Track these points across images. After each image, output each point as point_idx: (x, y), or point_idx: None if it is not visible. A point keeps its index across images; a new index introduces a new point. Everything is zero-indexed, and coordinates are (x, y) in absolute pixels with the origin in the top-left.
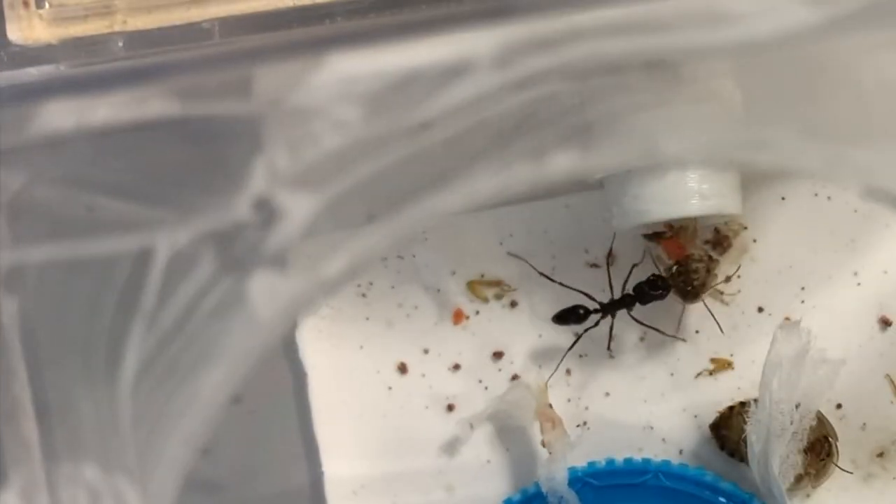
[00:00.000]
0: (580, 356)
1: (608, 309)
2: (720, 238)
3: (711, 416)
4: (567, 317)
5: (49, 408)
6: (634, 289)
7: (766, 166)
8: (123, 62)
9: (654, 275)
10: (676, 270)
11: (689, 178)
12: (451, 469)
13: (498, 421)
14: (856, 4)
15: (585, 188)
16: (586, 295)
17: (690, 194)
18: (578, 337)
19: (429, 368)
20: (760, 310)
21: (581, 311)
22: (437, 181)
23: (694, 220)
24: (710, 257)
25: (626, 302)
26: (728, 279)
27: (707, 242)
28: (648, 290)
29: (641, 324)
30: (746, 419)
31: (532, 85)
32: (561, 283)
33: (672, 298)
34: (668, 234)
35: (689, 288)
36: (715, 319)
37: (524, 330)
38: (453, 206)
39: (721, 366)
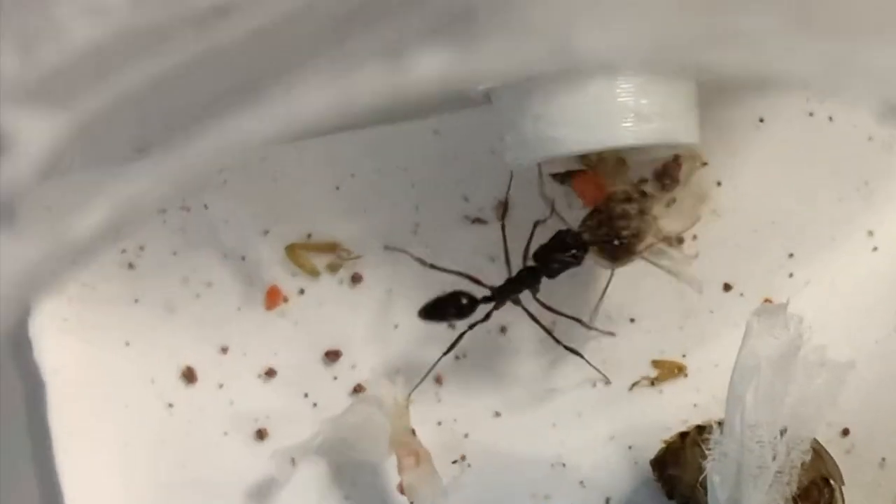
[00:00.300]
0: (456, 358)
1: (503, 294)
2: (663, 174)
3: (654, 449)
4: (442, 310)
5: None
6: (535, 255)
7: (737, 72)
8: None
9: (561, 230)
10: (595, 220)
11: (621, 89)
12: None
13: (333, 454)
14: None
15: (464, 105)
16: (470, 278)
17: (622, 114)
18: (460, 336)
19: (229, 375)
20: (727, 287)
21: (464, 302)
22: (241, 95)
23: (620, 152)
24: (644, 193)
25: (525, 280)
26: (679, 241)
27: (643, 182)
28: (555, 255)
29: (551, 310)
30: (706, 452)
31: None
32: (434, 267)
33: (593, 266)
34: (582, 170)
35: (617, 243)
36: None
37: (372, 318)
38: (266, 133)
39: (668, 372)
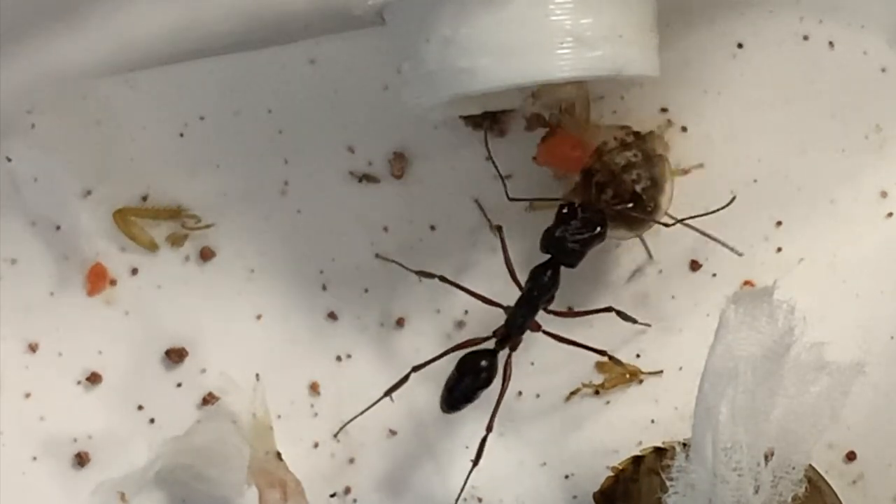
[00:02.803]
0: (338, 358)
1: (514, 328)
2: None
3: (598, 478)
4: (468, 390)
5: None
6: (545, 243)
7: None
8: None
9: (563, 206)
10: (593, 184)
11: (555, 5)
12: None
13: (176, 486)
14: None
15: (348, 25)
16: (483, 299)
17: (557, 38)
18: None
19: (38, 381)
20: (694, 266)
21: (483, 365)
22: (55, 13)
23: (580, 88)
24: (637, 133)
25: (541, 292)
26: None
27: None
28: (573, 237)
29: (574, 314)
30: (667, 483)
31: None
32: (444, 280)
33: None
34: (547, 129)
35: (639, 201)
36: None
37: (227, 306)
38: (86, 61)
39: (617, 377)
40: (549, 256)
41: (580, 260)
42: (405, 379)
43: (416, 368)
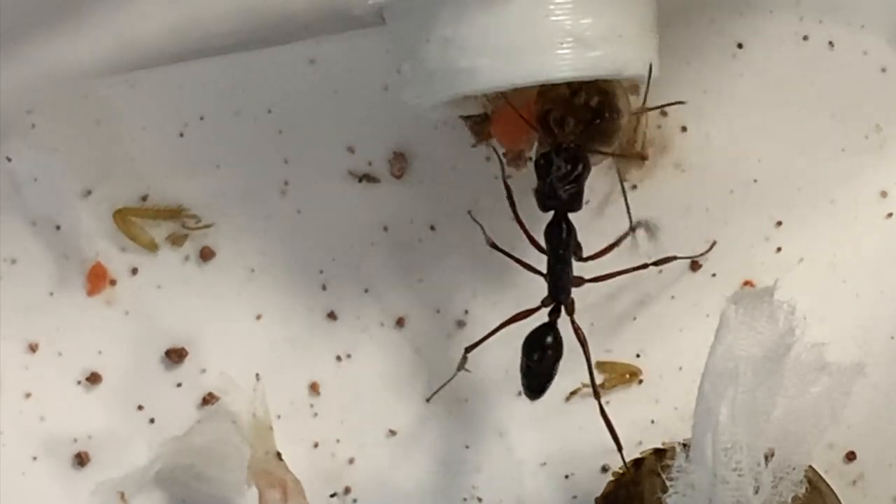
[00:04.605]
0: (338, 358)
1: (558, 290)
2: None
3: (598, 478)
4: (545, 372)
5: None
6: (540, 196)
7: None
8: None
9: (541, 156)
10: (553, 126)
11: (555, 5)
12: None
13: (176, 486)
14: None
15: (348, 25)
16: (526, 266)
17: (556, 38)
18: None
19: (39, 381)
20: (695, 266)
21: (549, 342)
22: (56, 12)
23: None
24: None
25: (564, 247)
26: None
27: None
28: (561, 179)
29: (607, 277)
30: (667, 484)
31: None
32: (494, 247)
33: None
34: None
35: (599, 114)
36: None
37: (227, 306)
38: (87, 60)
39: (617, 377)
40: (552, 213)
41: (581, 199)
42: (464, 360)
43: (468, 349)
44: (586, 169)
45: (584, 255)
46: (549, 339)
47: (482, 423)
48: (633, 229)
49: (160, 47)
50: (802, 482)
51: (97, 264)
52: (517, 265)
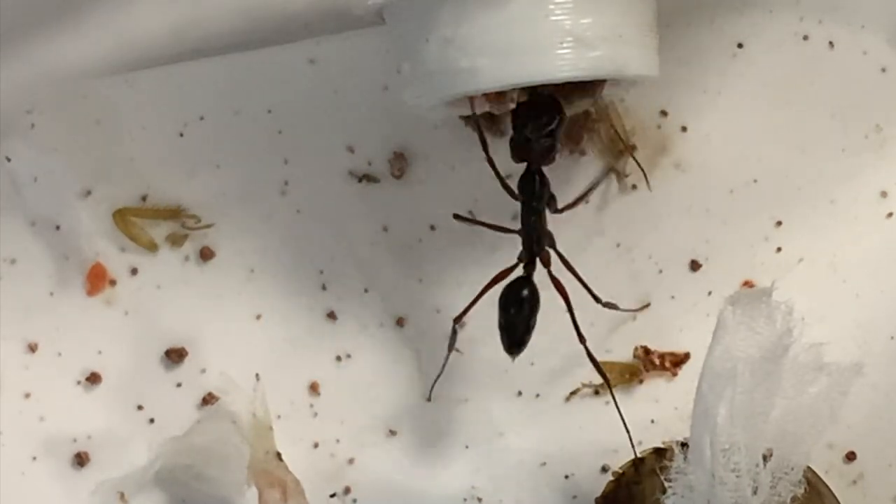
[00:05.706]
0: (338, 358)
1: (532, 243)
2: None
3: (598, 478)
4: (522, 326)
5: None
6: (515, 146)
7: None
8: None
9: (518, 105)
10: (528, 102)
11: (555, 5)
12: None
13: (176, 486)
14: None
15: (348, 25)
16: (490, 226)
17: (556, 38)
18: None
19: (38, 381)
20: (694, 266)
21: (525, 294)
22: (55, 12)
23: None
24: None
25: (537, 199)
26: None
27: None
28: (537, 129)
29: (572, 271)
30: (666, 484)
31: None
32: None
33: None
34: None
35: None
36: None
37: (226, 306)
38: (87, 60)
39: (617, 377)
40: (525, 164)
41: (555, 152)
42: (454, 333)
43: (457, 319)
44: (561, 122)
45: (557, 206)
46: (525, 292)
47: (482, 423)
48: (605, 175)
49: (160, 47)
50: (801, 482)
51: (97, 264)
52: None
